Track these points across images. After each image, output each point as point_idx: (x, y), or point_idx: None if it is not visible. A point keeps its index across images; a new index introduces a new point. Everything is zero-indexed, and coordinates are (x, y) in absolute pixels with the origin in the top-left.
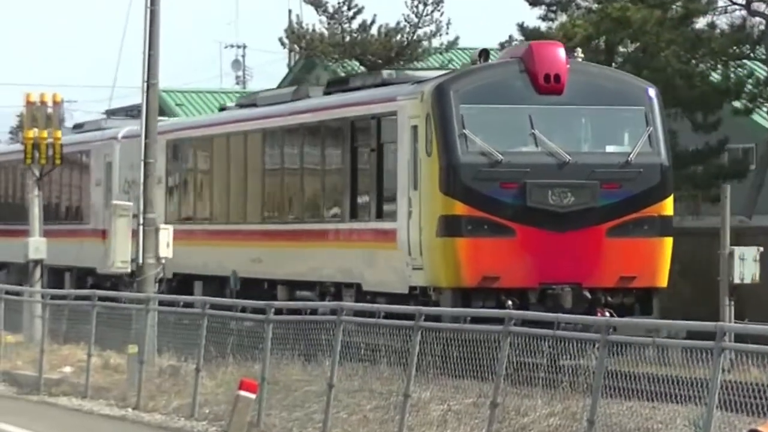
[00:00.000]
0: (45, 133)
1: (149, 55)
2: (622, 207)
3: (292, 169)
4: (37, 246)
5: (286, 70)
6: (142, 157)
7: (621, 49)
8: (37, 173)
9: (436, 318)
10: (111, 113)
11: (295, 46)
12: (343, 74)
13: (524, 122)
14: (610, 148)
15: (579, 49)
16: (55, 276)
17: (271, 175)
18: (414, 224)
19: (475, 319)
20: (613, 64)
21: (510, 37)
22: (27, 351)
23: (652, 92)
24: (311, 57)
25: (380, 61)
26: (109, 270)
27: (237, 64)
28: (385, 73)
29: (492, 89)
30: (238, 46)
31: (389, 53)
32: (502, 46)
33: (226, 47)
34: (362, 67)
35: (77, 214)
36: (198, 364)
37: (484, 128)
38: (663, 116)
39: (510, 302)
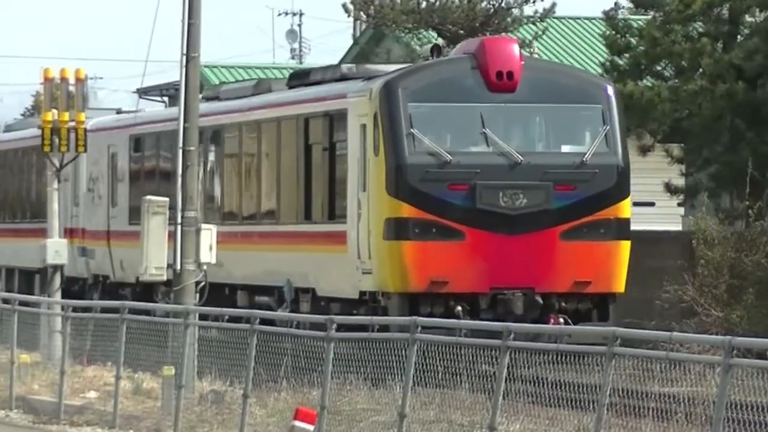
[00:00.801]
0: (66, 116)
1: (189, 24)
2: (577, 209)
3: (248, 167)
4: (56, 249)
5: (350, 42)
6: (180, 144)
7: (748, 18)
8: (57, 163)
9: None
10: (143, 92)
11: (362, 13)
12: (417, 47)
13: (475, 121)
14: (565, 148)
15: (535, 45)
16: (25, 279)
17: (229, 174)
18: (363, 227)
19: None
20: (739, 36)
21: (616, 4)
22: (45, 373)
23: (610, 90)
24: (380, 27)
25: (462, 31)
26: (142, 278)
27: (292, 34)
28: (345, 67)
29: (442, 87)
30: (294, 14)
31: (473, 23)
32: (607, 15)
33: (279, 15)
34: (440, 39)
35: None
36: (246, 389)
37: (433, 127)
38: (622, 115)
39: (459, 308)
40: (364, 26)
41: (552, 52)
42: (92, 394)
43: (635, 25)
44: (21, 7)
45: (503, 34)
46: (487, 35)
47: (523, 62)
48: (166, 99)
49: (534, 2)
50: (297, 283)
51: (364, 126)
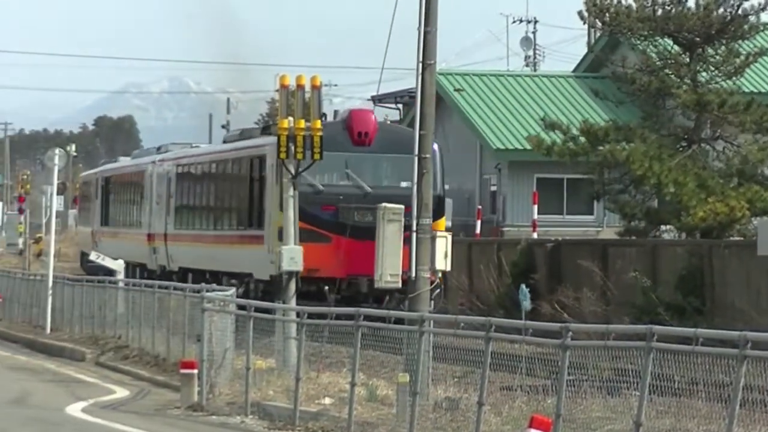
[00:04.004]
0: (302, 123)
1: (425, 32)
2: (408, 224)
3: (229, 190)
4: (292, 255)
5: (584, 50)
6: (416, 152)
7: None
8: (293, 170)
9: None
10: (377, 99)
11: (597, 21)
12: (653, 54)
13: (342, 165)
14: (402, 184)
15: (387, 115)
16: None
17: (221, 194)
18: (270, 232)
19: None
20: None
21: None
22: (280, 379)
23: (435, 146)
24: (615, 34)
25: (698, 38)
26: (377, 284)
27: (527, 41)
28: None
29: (322, 141)
30: (528, 21)
31: (708, 30)
32: None
33: (514, 22)
34: (675, 47)
35: (134, 221)
36: (480, 396)
37: (314, 168)
38: (441, 162)
39: (327, 287)
40: (599, 34)
41: None
42: (327, 401)
43: None
44: (257, 17)
45: (739, 41)
46: (723, 42)
47: (377, 126)
48: (400, 106)
49: None
50: (242, 269)
51: (272, 165)
